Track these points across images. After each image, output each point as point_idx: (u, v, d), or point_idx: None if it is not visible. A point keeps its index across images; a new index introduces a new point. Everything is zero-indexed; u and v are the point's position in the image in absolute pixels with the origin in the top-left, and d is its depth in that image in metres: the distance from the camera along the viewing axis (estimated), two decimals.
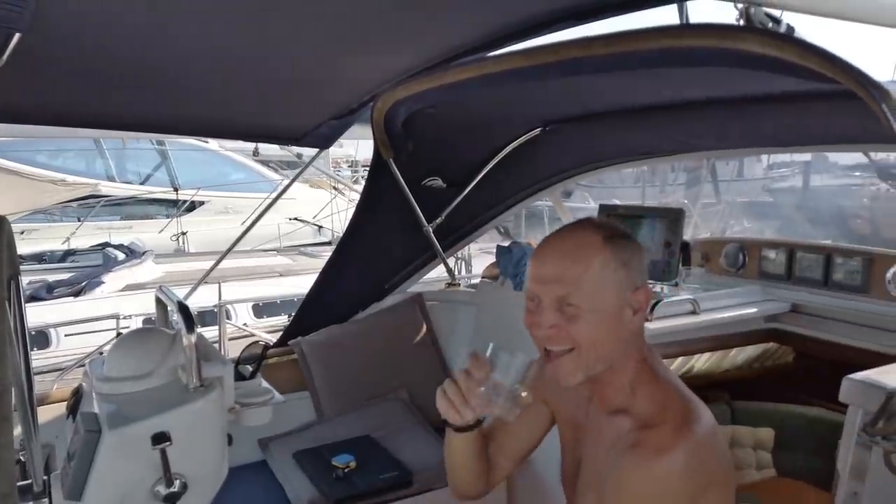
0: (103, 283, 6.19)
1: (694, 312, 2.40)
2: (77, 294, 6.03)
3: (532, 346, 1.24)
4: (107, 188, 9.97)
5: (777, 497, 2.30)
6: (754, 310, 2.58)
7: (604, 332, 1.15)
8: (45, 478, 1.30)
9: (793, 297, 2.66)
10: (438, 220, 2.87)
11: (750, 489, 2.37)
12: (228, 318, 5.54)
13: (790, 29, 1.15)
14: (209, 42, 1.44)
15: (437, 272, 3.29)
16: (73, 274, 6.69)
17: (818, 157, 14.18)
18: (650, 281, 2.54)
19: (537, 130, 2.67)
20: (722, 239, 3.15)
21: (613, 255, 1.16)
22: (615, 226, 1.24)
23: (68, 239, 8.89)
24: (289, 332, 2.88)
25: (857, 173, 13.44)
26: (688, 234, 2.64)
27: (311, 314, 2.90)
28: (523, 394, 1.18)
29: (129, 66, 1.55)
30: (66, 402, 1.66)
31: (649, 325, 2.27)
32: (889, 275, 2.43)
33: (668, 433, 1.09)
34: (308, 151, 3.03)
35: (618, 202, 3.81)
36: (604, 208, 2.82)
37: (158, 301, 1.68)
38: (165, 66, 1.59)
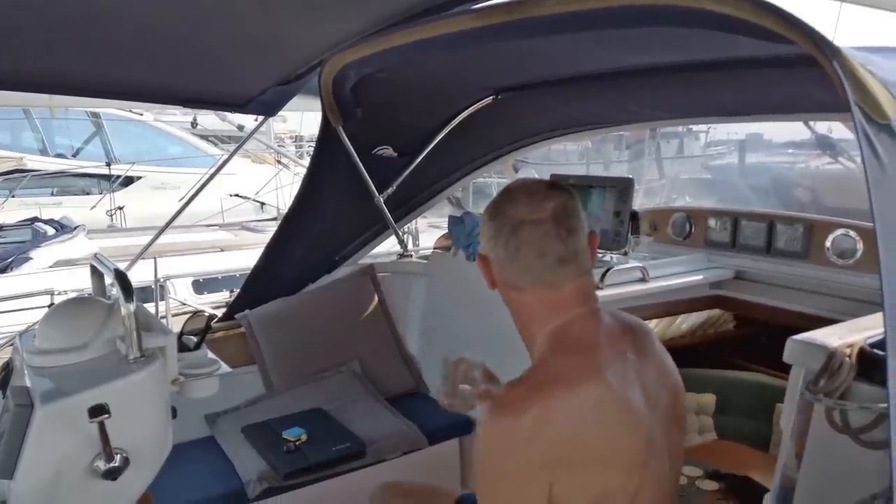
0: (31, 259, 5.89)
1: (643, 280, 2.44)
2: (2, 270, 5.72)
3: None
4: (33, 162, 9.44)
5: (718, 458, 2.38)
6: (700, 276, 2.64)
7: None
8: None
9: (736, 264, 2.74)
10: (389, 191, 2.82)
11: (692, 452, 2.45)
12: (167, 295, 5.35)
13: None
14: None
15: (389, 244, 3.24)
16: None
17: (752, 135, 14.70)
18: (599, 250, 2.57)
19: (489, 98, 2.64)
20: (669, 208, 3.21)
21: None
22: (505, 203, 1.19)
23: None
24: (235, 306, 2.80)
25: (790, 150, 14.00)
26: (634, 207, 2.68)
27: (258, 287, 2.81)
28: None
29: (52, 20, 1.43)
30: None
31: (600, 293, 2.30)
32: (828, 241, 2.52)
33: (517, 393, 1.08)
34: (251, 124, 2.92)
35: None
36: (555, 178, 2.82)
37: (94, 270, 1.59)
38: (93, 22, 1.48)
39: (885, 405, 0.86)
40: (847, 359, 1.30)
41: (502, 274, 1.18)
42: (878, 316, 0.93)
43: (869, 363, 1.26)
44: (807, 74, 1.03)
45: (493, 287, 1.22)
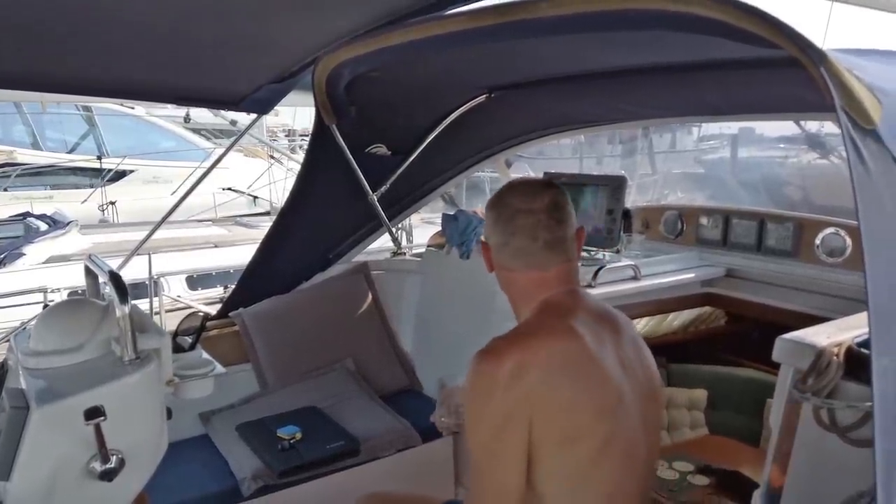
0: (24, 255, 5.85)
1: (635, 278, 2.45)
2: None
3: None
4: (24, 156, 9.39)
5: (709, 453, 2.40)
6: (691, 275, 2.66)
7: None
8: None
9: (727, 262, 2.76)
10: (383, 189, 2.83)
11: (684, 447, 2.47)
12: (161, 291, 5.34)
13: None
14: None
15: (383, 241, 3.25)
16: None
17: (745, 129, 14.73)
18: (592, 248, 2.59)
19: (482, 97, 2.64)
20: (661, 206, 3.22)
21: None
22: (506, 196, 1.33)
23: None
24: (229, 304, 2.80)
25: (782, 145, 14.07)
26: (626, 204, 2.69)
27: (252, 285, 2.81)
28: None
29: (46, 18, 1.43)
30: None
31: (593, 291, 2.31)
32: (818, 240, 2.54)
33: (499, 344, 1.22)
34: (244, 119, 2.92)
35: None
36: (548, 176, 2.84)
37: (88, 271, 1.59)
38: (87, 20, 1.47)
39: (871, 404, 0.88)
40: (835, 358, 1.31)
41: (499, 257, 1.33)
42: (866, 315, 0.94)
43: (856, 362, 1.28)
44: (795, 76, 1.04)
45: (491, 270, 1.38)
